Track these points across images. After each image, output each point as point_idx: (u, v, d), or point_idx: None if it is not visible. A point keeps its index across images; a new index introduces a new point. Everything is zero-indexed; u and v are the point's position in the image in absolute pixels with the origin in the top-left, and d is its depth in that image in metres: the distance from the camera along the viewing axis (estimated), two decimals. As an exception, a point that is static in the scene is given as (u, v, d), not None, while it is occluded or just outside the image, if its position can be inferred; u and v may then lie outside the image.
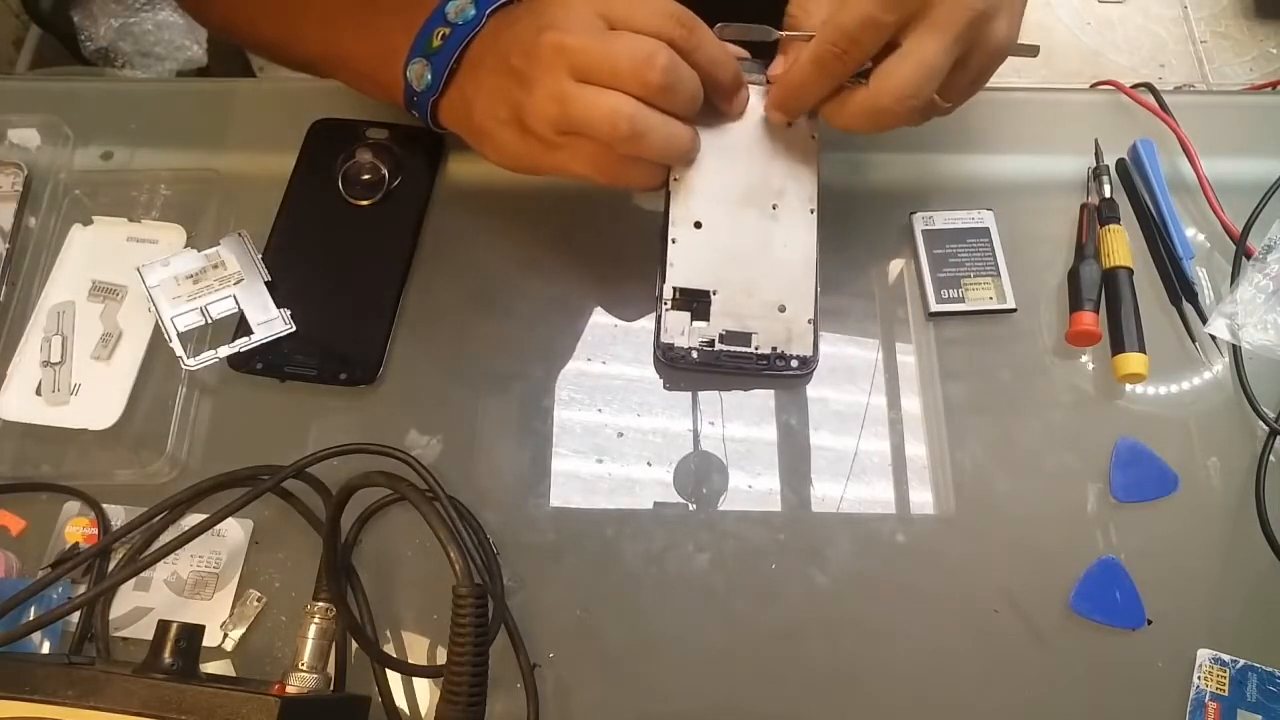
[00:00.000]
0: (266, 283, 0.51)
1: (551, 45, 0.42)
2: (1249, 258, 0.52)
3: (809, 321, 0.48)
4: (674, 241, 0.48)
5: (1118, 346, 0.50)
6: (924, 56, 0.41)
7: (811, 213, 0.48)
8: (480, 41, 0.46)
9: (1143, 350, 0.49)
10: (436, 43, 0.47)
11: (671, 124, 0.43)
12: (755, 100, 0.48)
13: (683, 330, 0.48)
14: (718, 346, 0.48)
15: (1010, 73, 0.47)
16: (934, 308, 0.52)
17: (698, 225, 0.48)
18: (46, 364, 0.50)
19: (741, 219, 0.48)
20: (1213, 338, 0.51)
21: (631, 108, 0.41)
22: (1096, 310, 0.50)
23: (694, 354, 0.48)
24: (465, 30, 0.46)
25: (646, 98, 0.42)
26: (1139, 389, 0.50)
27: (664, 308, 0.48)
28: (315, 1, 0.53)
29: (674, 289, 0.48)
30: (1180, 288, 0.52)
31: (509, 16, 0.46)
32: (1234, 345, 0.50)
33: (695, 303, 0.48)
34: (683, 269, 0.48)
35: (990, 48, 0.43)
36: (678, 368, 0.49)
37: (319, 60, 0.55)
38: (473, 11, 0.47)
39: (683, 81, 0.42)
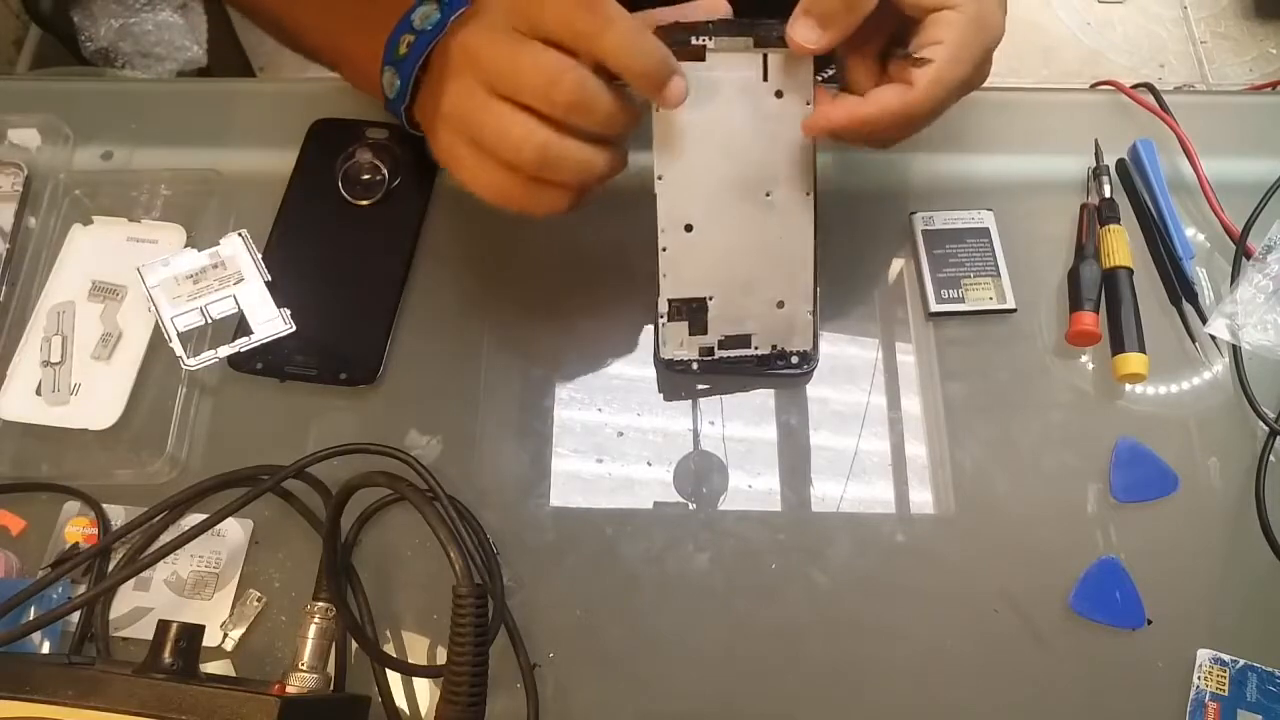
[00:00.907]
0: (266, 283, 0.51)
1: (459, 46, 0.41)
2: (1249, 258, 0.52)
3: (809, 314, 0.48)
4: (664, 250, 0.46)
5: (1118, 346, 0.50)
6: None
7: (808, 195, 0.46)
8: (440, 47, 0.45)
9: (1143, 350, 0.49)
10: (403, 50, 0.47)
11: (585, 150, 0.40)
12: (743, 74, 0.43)
13: (681, 342, 0.48)
14: (718, 354, 0.48)
15: (1008, 73, 0.47)
16: (934, 308, 0.52)
17: (688, 228, 0.46)
18: (46, 364, 0.50)
19: (734, 214, 0.46)
20: (1213, 338, 0.51)
21: (543, 136, 0.39)
22: (1096, 310, 0.50)
23: (694, 365, 0.48)
24: (429, 37, 0.46)
25: (555, 117, 0.39)
26: (1139, 389, 0.50)
27: (661, 321, 0.47)
28: None
29: (669, 301, 0.47)
30: (1180, 288, 0.52)
31: (461, 19, 0.45)
32: (1234, 345, 0.50)
33: (693, 309, 0.48)
34: (676, 278, 0.47)
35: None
36: (678, 374, 0.49)
37: (321, 52, 0.55)
38: (438, 17, 0.46)
39: (596, 99, 0.39)
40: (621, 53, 0.38)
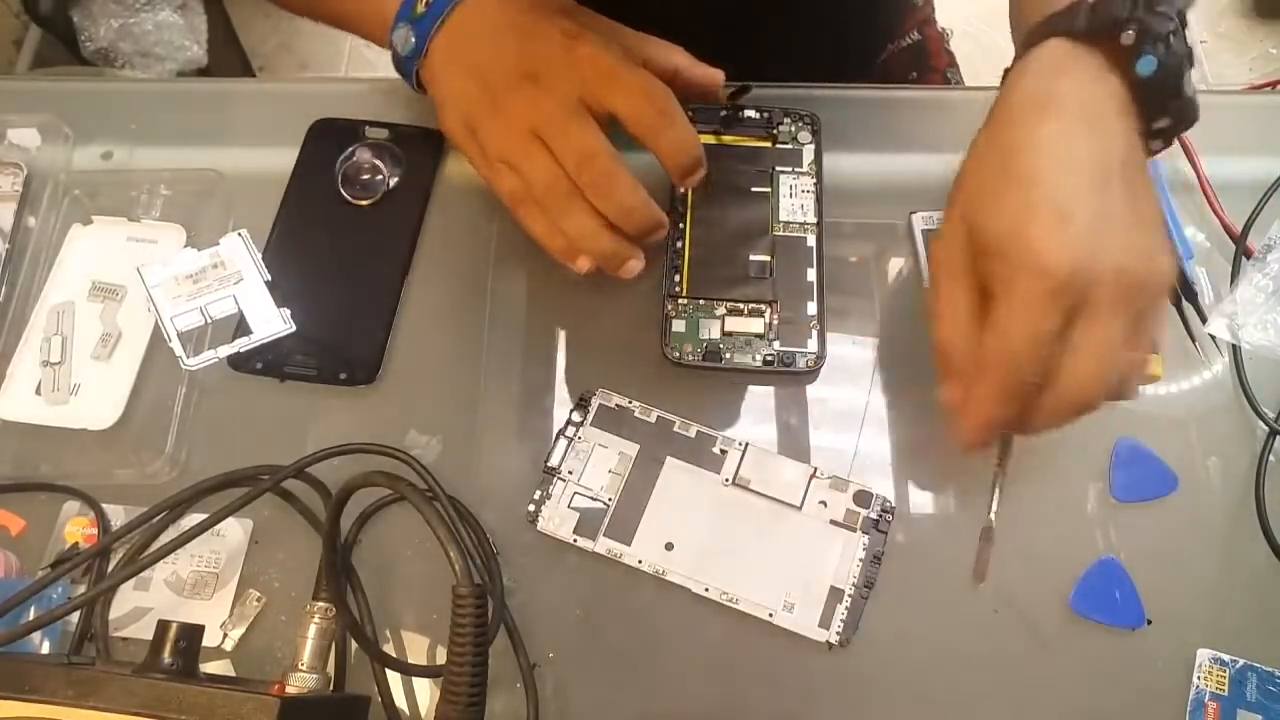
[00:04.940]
0: (266, 283, 0.51)
1: (528, 99, 0.45)
2: (1249, 257, 0.52)
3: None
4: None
5: None
6: (1100, 347, 0.37)
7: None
8: (466, 14, 0.47)
9: (1155, 350, 0.48)
10: (420, 9, 0.48)
11: (594, 221, 0.45)
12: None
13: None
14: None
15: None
16: (934, 308, 0.52)
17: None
18: (46, 364, 0.50)
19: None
20: (1213, 337, 0.51)
21: (568, 188, 0.44)
22: None
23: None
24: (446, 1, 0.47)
25: (575, 178, 0.44)
26: (1138, 388, 0.50)
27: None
28: None
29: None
30: (1180, 288, 0.52)
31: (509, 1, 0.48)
32: (1234, 345, 0.50)
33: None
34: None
35: (1161, 296, 0.40)
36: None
37: (306, 5, 0.55)
38: None
39: (613, 190, 0.44)
40: (675, 144, 0.45)
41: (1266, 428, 0.49)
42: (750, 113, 0.54)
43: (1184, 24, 0.40)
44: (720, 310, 0.50)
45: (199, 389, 0.50)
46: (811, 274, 0.51)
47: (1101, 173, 0.38)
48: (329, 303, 0.52)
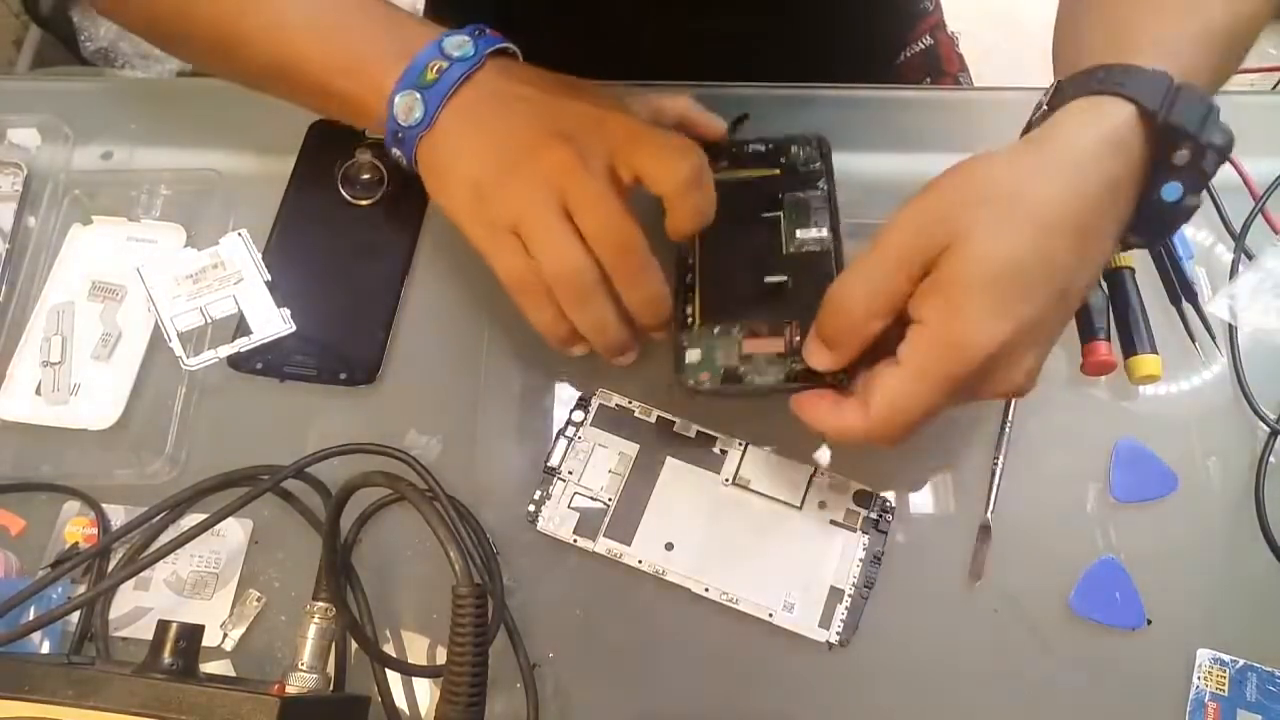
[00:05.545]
0: (266, 283, 0.51)
1: (557, 156, 0.42)
2: (1249, 257, 0.52)
3: None
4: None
5: (1129, 349, 0.49)
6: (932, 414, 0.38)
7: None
8: (476, 87, 0.44)
9: (1154, 351, 0.48)
10: (431, 75, 0.44)
11: (611, 312, 0.43)
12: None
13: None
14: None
15: (1009, 69, 0.46)
16: (934, 308, 0.51)
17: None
18: (46, 364, 0.50)
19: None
20: (1213, 339, 0.51)
21: (595, 277, 0.42)
22: (1108, 338, 0.49)
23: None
24: (463, 66, 0.44)
25: (607, 265, 0.42)
26: (1138, 388, 0.50)
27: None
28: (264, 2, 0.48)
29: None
30: (1180, 288, 0.51)
31: (517, 75, 0.45)
32: (1233, 348, 0.50)
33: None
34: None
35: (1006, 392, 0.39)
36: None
37: (262, 69, 0.49)
38: (471, 50, 0.45)
39: (645, 281, 0.43)
40: (692, 213, 0.43)
41: (1266, 428, 0.49)
42: (756, 146, 0.52)
43: (1220, 163, 0.39)
44: (737, 333, 0.46)
45: (199, 389, 0.50)
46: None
47: (1064, 287, 0.38)
48: (329, 303, 0.52)
